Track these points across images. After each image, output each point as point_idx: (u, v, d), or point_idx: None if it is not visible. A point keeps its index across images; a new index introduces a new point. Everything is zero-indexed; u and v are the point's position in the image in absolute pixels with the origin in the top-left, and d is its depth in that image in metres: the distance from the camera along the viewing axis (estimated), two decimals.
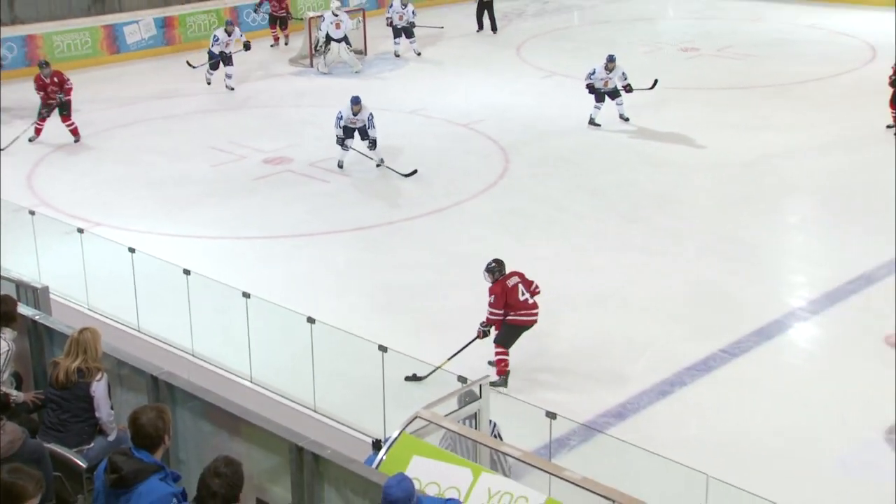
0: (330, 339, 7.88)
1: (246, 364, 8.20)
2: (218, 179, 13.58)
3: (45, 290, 7.49)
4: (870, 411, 8.10)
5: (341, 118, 13.27)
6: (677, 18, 23.46)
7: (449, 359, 8.33)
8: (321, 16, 19.60)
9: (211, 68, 17.47)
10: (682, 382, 8.58)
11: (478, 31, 21.50)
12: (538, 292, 8.65)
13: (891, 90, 14.57)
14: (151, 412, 4.80)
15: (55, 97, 14.71)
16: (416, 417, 5.90)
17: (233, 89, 17.52)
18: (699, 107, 16.09)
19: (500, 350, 8.59)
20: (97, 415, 5.78)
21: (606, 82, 14.87)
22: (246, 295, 8.14)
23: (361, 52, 19.52)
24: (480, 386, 6.54)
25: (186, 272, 8.50)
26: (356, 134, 13.41)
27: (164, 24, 20.30)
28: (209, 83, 17.55)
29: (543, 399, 7.17)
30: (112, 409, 5.84)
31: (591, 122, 15.19)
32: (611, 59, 14.83)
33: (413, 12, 19.26)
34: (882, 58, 18.72)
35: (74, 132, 14.92)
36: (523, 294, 8.52)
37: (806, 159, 13.88)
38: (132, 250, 9.07)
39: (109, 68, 19.18)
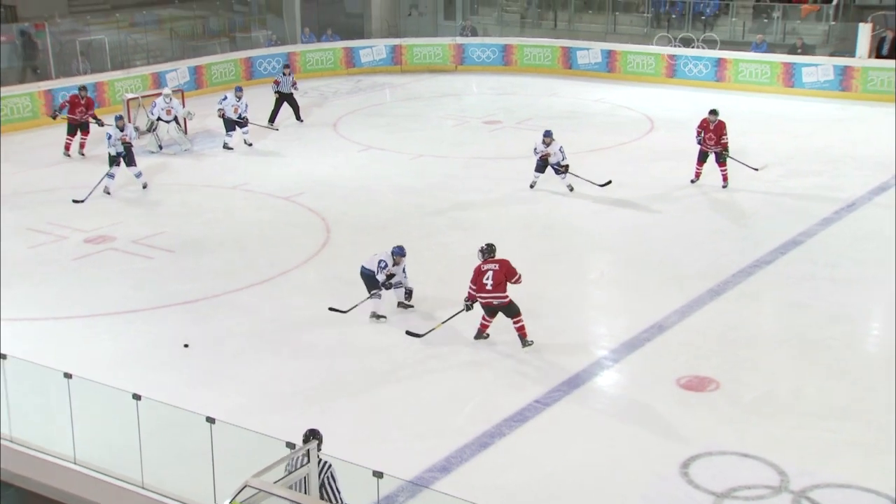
0: (157, 415, 7.56)
1: (69, 446, 7.73)
2: (35, 261, 12.88)
3: None
4: (666, 447, 8.48)
5: (385, 267, 10.91)
6: (480, 94, 24.29)
7: (443, 322, 10.51)
8: (141, 98, 19.16)
9: (114, 165, 15.64)
10: (500, 433, 8.72)
11: (267, 125, 19.65)
12: (519, 282, 10.29)
13: (698, 147, 15.63)
14: None
15: None
16: (245, 486, 5.74)
17: (146, 186, 15.98)
18: (503, 175, 16.65)
19: (482, 318, 10.43)
20: None
21: (547, 155, 15.24)
22: (67, 375, 7.71)
23: (182, 131, 19.13)
24: (308, 451, 6.43)
25: (2, 356, 7.98)
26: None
27: None
28: (107, 191, 15.57)
29: (370, 459, 7.11)
30: None
31: (531, 185, 15.76)
32: (546, 134, 15.33)
33: (246, 106, 18.36)
34: (659, 128, 20.04)
35: None
36: (487, 280, 10.17)
37: (602, 219, 14.57)
38: None
39: None
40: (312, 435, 6.51)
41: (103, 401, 8.06)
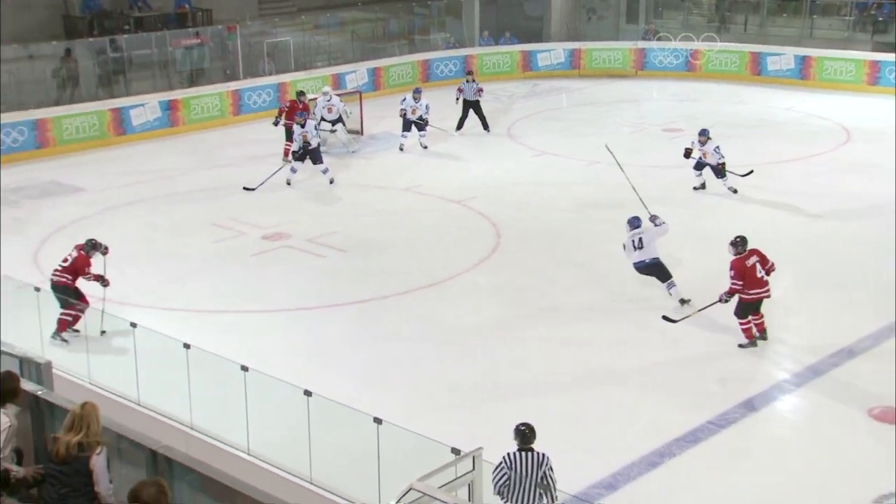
0: (326, 412, 7.82)
1: (244, 436, 8.12)
2: (218, 255, 13.61)
3: (48, 365, 7.45)
4: (853, 482, 8.03)
5: (650, 233, 11.49)
6: (661, 100, 23.81)
7: (699, 310, 10.68)
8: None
9: (295, 161, 16.51)
10: (670, 453, 8.51)
11: (456, 131, 19.91)
12: (773, 270, 10.22)
13: None
14: (152, 487, 4.77)
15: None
16: (410, 489, 5.85)
17: (332, 181, 16.63)
18: (682, 184, 16.25)
19: (740, 322, 10.34)
20: (97, 489, 5.70)
21: (705, 154, 15.50)
22: (244, 368, 8.10)
23: (358, 132, 19.69)
24: (474, 458, 6.49)
25: (186, 346, 8.47)
26: None
27: (169, 106, 20.49)
28: (288, 182, 16.50)
29: None
30: (111, 482, 5.77)
31: (695, 188, 15.95)
32: (702, 132, 15.56)
33: (427, 107, 18.56)
34: (856, 140, 19.01)
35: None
36: (759, 272, 10.07)
37: (789, 234, 13.96)
38: (133, 325, 9.05)
39: (116, 149, 19.24)
40: (529, 431, 6.69)
41: (276, 395, 8.42)
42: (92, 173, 17.52)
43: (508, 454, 6.61)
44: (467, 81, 20.35)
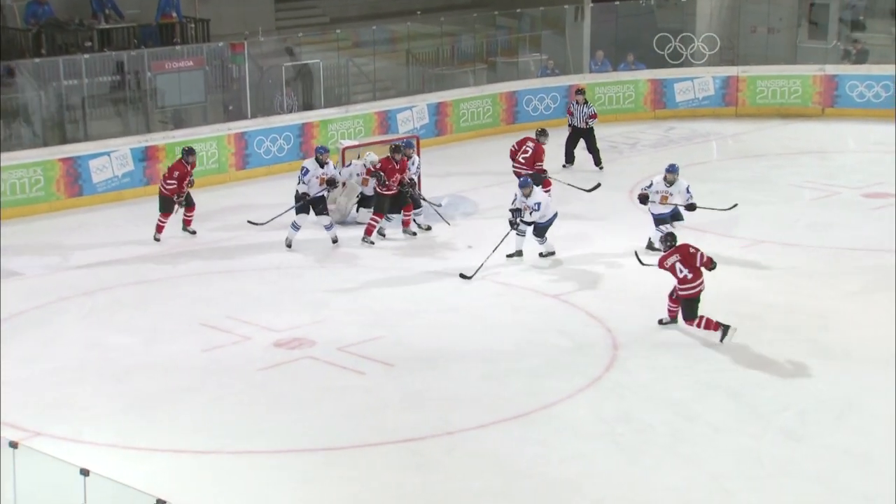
0: None
1: None
2: (211, 369, 13.83)
3: None
4: None
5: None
6: (861, 152, 23.74)
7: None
8: (361, 146, 19.92)
9: (298, 212, 17.89)
10: None
11: (564, 167, 21.82)
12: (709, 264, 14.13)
13: None
14: None
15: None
16: None
17: (336, 241, 18.06)
18: (892, 279, 16.12)
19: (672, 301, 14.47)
20: None
21: (665, 198, 16.70)
22: None
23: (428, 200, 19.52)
24: None
25: None
26: None
27: (145, 156, 20.94)
28: (289, 245, 18.05)
29: None
30: None
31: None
32: (670, 169, 16.95)
33: (417, 166, 19.06)
34: None
35: None
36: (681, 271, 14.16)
37: None
38: (85, 472, 9.20)
39: (67, 216, 19.85)
40: None
41: None
42: (32, 251, 18.00)
43: None
44: (577, 103, 21.12)
